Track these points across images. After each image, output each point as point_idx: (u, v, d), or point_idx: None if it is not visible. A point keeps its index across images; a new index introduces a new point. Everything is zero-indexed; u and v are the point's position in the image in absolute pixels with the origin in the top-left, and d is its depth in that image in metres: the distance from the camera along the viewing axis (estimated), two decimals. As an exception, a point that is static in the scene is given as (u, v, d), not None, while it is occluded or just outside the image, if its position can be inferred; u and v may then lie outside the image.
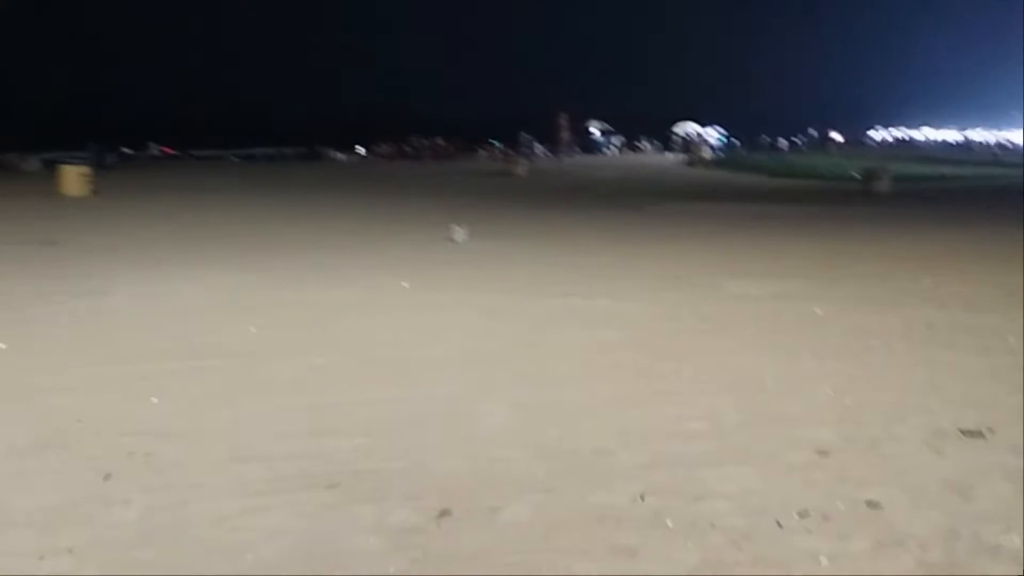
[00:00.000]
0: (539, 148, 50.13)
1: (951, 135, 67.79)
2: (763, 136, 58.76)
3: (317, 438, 5.02)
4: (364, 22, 73.31)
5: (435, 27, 74.71)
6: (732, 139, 56.08)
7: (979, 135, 65.36)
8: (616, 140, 54.37)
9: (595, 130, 55.15)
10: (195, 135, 46.55)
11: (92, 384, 6.10)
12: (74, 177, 21.38)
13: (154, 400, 5.72)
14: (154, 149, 39.45)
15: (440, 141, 49.37)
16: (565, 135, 51.97)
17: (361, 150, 48.97)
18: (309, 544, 3.57)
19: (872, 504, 3.98)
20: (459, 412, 5.58)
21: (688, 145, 44.61)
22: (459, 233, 14.51)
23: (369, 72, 71.33)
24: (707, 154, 45.35)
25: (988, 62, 77.41)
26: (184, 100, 59.55)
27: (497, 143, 48.88)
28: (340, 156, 47.07)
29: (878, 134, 69.11)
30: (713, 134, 54.11)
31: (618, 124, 56.53)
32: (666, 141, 54.05)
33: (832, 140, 59.96)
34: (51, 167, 22.63)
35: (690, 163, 40.26)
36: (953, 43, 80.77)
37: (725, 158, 45.16)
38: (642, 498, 4.08)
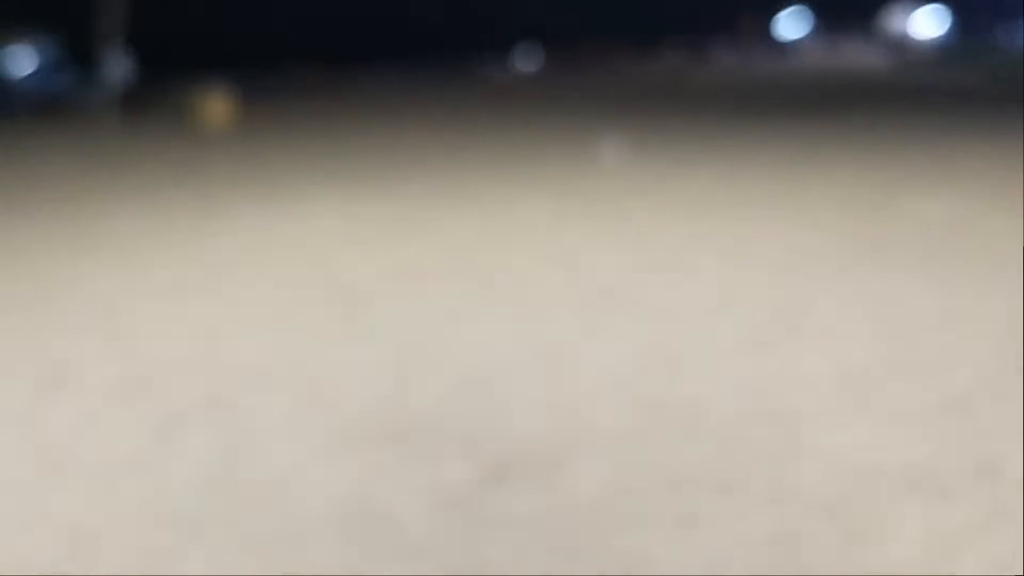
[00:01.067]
0: (723, 51, 48.66)
1: None
2: (995, 25, 54.49)
3: (400, 384, 5.12)
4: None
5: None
6: (954, 28, 52.28)
7: None
8: (809, 35, 51.88)
9: (786, 23, 52.74)
10: (344, 55, 47.60)
11: (185, 323, 6.45)
12: (215, 107, 22.51)
13: (244, 340, 6.00)
14: (297, 73, 40.83)
15: (613, 47, 48.62)
16: (751, 36, 50.21)
17: (528, 59, 48.84)
18: (351, 505, 3.65)
19: (991, 468, 3.69)
20: (561, 356, 5.54)
21: (897, 40, 41.90)
22: (612, 150, 14.36)
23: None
24: (919, 50, 42.55)
25: None
26: (329, 20, 61.07)
27: (676, 46, 47.68)
28: (505, 67, 47.12)
29: None
30: (929, 21, 50.52)
31: (816, 14, 53.83)
32: (873, 35, 51.04)
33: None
34: (197, 97, 23.82)
35: (899, 62, 37.91)
36: None
37: (942, 56, 42.18)
38: (727, 458, 3.95)
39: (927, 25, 49.75)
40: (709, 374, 5.09)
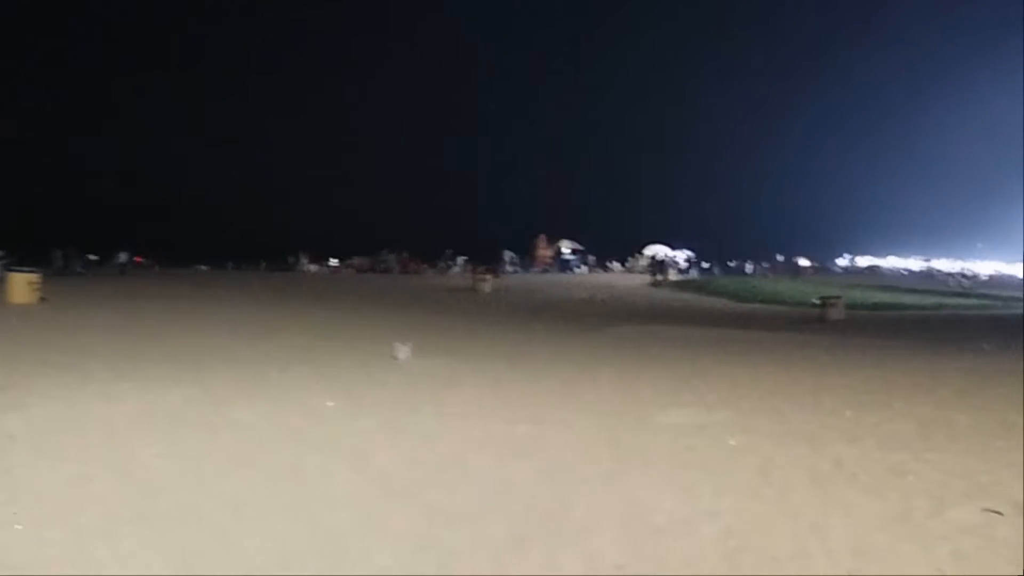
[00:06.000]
0: (510, 265, 50.72)
1: (916, 264, 69.17)
2: (732, 260, 59.75)
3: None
4: (352, 142, 76.23)
5: (424, 152, 77.97)
6: (700, 262, 56.87)
7: (944, 265, 66.79)
8: (587, 260, 55.10)
9: (566, 250, 55.89)
10: (170, 246, 46.98)
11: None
12: (21, 285, 21.18)
13: (18, 527, 5.49)
14: (123, 257, 39.36)
15: (407, 255, 49.91)
16: (544, 254, 52.96)
17: (334, 262, 49.27)
18: None
19: None
20: (338, 553, 5.38)
21: (655, 267, 45.06)
22: (402, 351, 14.43)
23: (355, 188, 73.34)
24: (673, 276, 45.90)
25: (953, 196, 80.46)
26: (161, 211, 60.45)
27: (463, 258, 49.45)
28: (312, 267, 47.28)
29: (845, 261, 70.39)
30: (681, 256, 54.88)
31: (590, 245, 57.37)
32: (636, 262, 54.80)
33: (798, 266, 60.88)
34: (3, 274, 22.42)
35: (656, 284, 40.64)
36: (920, 178, 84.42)
37: (690, 280, 45.71)
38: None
39: (681, 257, 54.02)
40: (475, 571, 5.06)
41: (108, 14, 70.84)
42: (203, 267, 44.29)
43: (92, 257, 37.27)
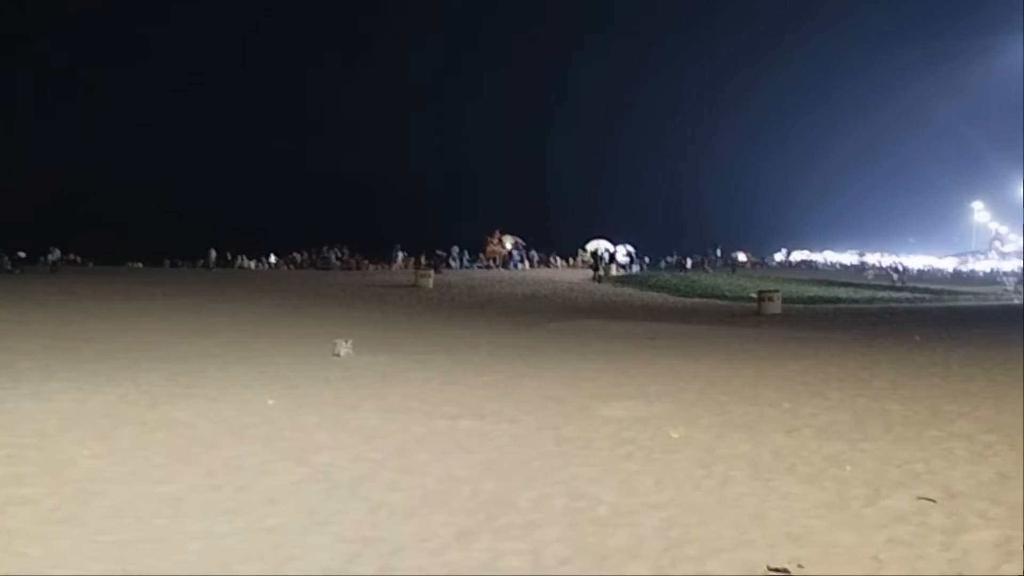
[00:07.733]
0: (455, 260, 50.52)
1: (850, 258, 70.63)
2: (671, 255, 60.29)
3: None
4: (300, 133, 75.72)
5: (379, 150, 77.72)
6: (641, 257, 57.31)
7: (876, 259, 68.37)
8: (529, 255, 55.12)
9: (509, 245, 55.84)
10: (104, 243, 45.97)
11: None
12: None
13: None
14: (55, 254, 38.26)
15: (347, 252, 49.46)
16: (495, 249, 52.92)
17: (272, 259, 48.59)
18: None
19: None
20: (279, 548, 5.30)
21: (597, 262, 45.29)
22: (343, 347, 14.32)
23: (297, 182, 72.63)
24: (614, 271, 46.19)
25: (887, 193, 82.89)
26: (98, 207, 59.20)
27: (404, 252, 49.07)
28: (250, 264, 46.57)
29: (783, 255, 71.54)
30: (622, 251, 55.17)
31: (532, 240, 57.49)
32: (577, 257, 55.06)
33: (737, 260, 61.74)
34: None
35: (598, 279, 40.86)
36: (856, 174, 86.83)
37: (632, 275, 46.07)
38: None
39: (621, 252, 54.26)
40: (419, 565, 5.02)
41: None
42: (138, 264, 43.27)
43: (20, 254, 36.04)
